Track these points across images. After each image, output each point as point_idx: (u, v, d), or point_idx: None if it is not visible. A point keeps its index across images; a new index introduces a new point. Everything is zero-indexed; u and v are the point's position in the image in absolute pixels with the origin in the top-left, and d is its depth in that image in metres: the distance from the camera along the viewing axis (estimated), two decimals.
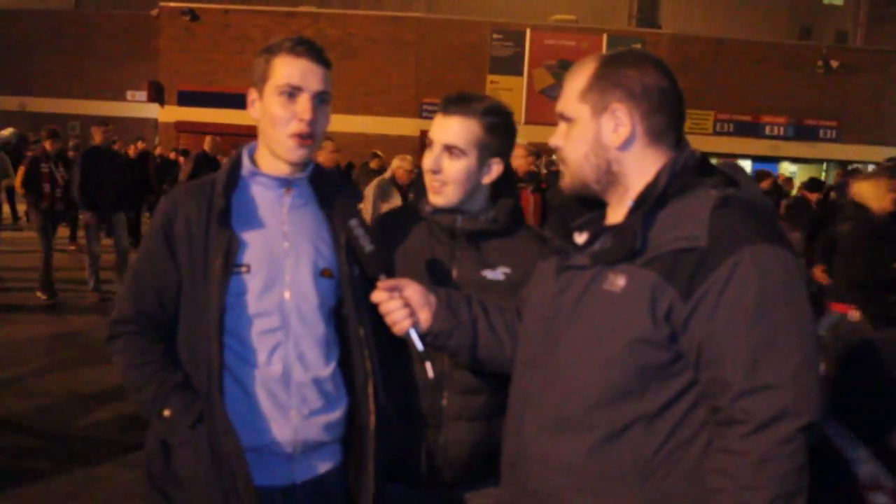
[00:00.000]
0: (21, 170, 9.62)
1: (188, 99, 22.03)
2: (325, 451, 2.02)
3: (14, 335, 7.56)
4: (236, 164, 2.00)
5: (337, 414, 2.01)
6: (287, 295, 1.94)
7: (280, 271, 1.94)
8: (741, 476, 1.40)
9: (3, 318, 8.15)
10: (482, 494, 2.11)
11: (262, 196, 1.99)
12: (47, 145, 9.59)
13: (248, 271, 1.90)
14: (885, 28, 27.07)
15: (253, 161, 2.00)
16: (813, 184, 10.95)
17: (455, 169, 2.03)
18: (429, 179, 2.08)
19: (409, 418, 2.09)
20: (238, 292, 1.88)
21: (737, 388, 1.41)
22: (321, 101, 1.93)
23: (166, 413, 1.85)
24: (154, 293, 1.92)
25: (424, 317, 1.87)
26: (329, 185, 2.09)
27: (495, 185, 2.12)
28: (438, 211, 2.09)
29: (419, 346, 1.86)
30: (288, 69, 1.89)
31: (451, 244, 2.10)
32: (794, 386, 1.40)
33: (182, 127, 21.54)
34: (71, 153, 11.89)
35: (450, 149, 2.03)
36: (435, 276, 2.06)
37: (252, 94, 1.97)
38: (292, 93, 1.89)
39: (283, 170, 1.98)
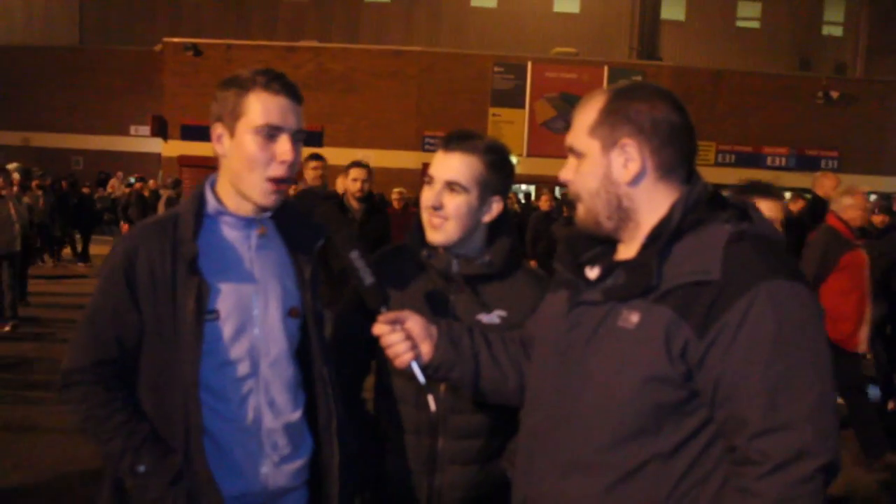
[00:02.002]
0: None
1: (191, 133, 22.16)
2: (292, 496, 1.96)
3: None
4: (200, 203, 1.88)
5: (305, 459, 1.97)
6: (257, 340, 1.87)
7: (250, 315, 1.86)
8: None
9: None
10: None
11: (229, 236, 1.90)
12: None
13: (218, 318, 1.81)
14: (884, 59, 27.31)
15: (217, 197, 1.90)
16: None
17: (456, 205, 2.00)
18: (427, 216, 2.03)
19: (404, 461, 2.06)
20: (209, 340, 1.79)
21: (754, 427, 1.38)
22: (297, 139, 1.85)
23: (140, 469, 1.73)
24: (114, 340, 1.78)
25: (426, 349, 1.83)
26: (291, 218, 2.01)
27: (492, 225, 2.08)
28: (433, 255, 2.06)
29: (421, 378, 1.83)
30: (265, 107, 1.79)
31: (447, 288, 2.06)
32: (813, 425, 1.36)
33: (185, 161, 21.65)
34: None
35: (451, 185, 1.99)
36: (433, 314, 2.01)
37: (218, 129, 1.85)
38: (272, 133, 1.80)
39: (249, 209, 1.89)
